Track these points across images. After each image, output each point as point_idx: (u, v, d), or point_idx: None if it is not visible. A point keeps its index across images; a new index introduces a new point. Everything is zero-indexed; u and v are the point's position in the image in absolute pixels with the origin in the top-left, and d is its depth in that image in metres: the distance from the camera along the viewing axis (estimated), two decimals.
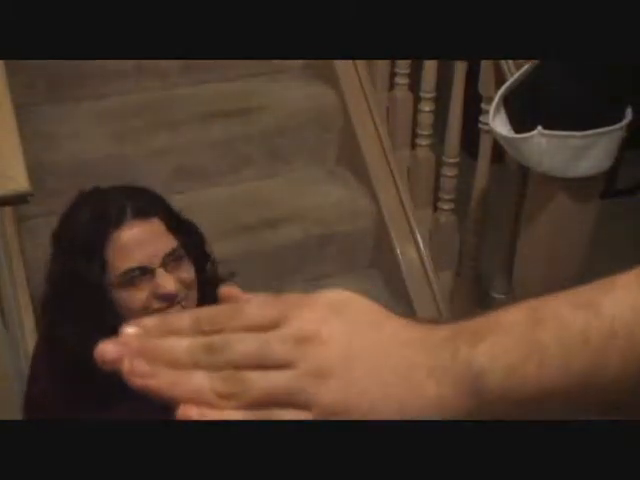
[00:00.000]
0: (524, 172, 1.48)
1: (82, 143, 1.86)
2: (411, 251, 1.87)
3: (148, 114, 1.86)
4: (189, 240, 1.07)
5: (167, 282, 1.01)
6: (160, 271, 1.01)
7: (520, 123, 1.30)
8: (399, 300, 1.89)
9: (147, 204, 1.04)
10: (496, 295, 1.66)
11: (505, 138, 1.31)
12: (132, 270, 1.00)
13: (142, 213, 1.02)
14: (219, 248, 1.86)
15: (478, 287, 1.80)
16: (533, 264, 1.46)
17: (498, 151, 1.63)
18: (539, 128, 1.25)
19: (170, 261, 1.03)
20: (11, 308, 1.40)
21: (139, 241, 1.01)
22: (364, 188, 1.97)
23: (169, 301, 1.02)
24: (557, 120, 1.27)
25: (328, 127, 2.03)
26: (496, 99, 1.33)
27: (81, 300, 1.02)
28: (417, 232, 1.87)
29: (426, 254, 1.86)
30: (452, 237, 1.85)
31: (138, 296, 1.01)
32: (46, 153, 1.71)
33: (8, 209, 1.61)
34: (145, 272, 1.01)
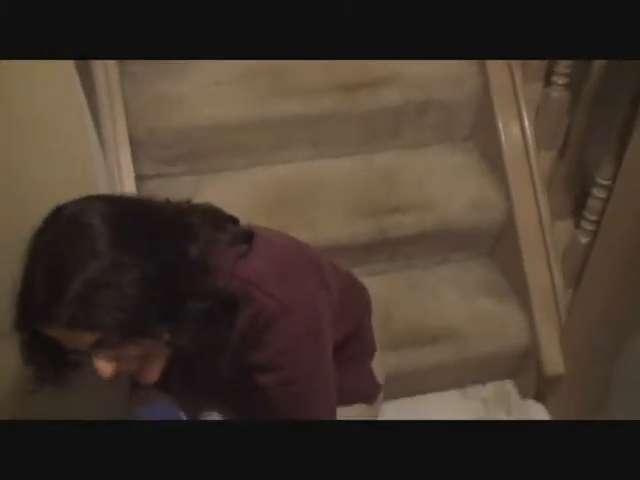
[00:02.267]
0: None
1: None
2: (514, 126, 1.78)
3: None
4: (124, 328, 0.89)
5: (102, 368, 0.93)
6: (94, 357, 0.93)
7: None
8: (495, 177, 1.83)
9: (50, 306, 0.88)
10: (600, 180, 1.58)
11: None
12: (72, 351, 0.94)
13: (44, 316, 0.89)
14: (315, 104, 1.84)
15: (581, 171, 1.72)
16: None
17: None
18: None
19: (99, 349, 0.92)
20: (110, 147, 1.42)
21: (58, 337, 0.91)
22: None
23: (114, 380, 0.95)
24: None
25: None
26: None
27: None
28: (524, 107, 1.77)
29: (530, 130, 1.77)
30: (561, 115, 1.74)
31: (93, 367, 0.95)
32: None
33: None
34: (85, 353, 0.93)
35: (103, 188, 1.21)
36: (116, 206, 0.96)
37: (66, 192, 0.95)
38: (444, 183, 1.84)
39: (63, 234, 0.92)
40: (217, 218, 1.08)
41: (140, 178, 1.60)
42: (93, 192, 0.98)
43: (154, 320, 0.91)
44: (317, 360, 1.07)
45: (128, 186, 1.49)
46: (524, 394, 1.83)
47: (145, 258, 0.91)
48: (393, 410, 1.71)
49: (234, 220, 1.13)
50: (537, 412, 1.80)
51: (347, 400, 1.20)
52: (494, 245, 1.89)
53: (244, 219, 1.13)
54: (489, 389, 1.85)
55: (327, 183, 1.83)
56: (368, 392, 1.30)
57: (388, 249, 1.81)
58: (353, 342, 1.24)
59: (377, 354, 1.33)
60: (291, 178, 1.83)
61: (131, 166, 1.53)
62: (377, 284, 1.66)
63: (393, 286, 1.84)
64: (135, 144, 1.60)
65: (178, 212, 1.03)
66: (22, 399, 1.09)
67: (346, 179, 1.84)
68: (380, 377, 1.32)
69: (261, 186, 1.80)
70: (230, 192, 1.74)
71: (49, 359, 0.98)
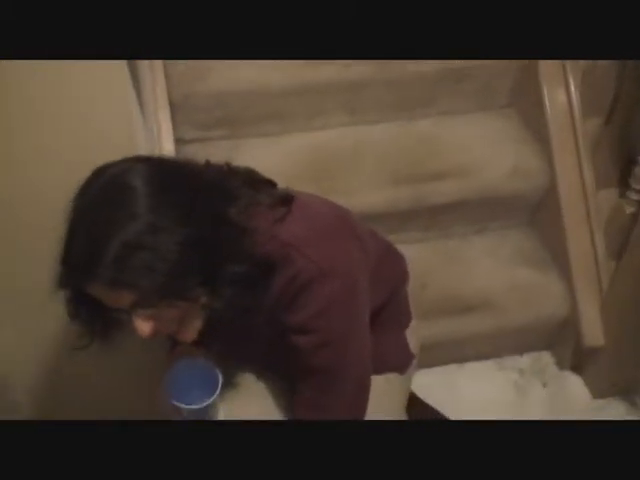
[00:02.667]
0: None
1: None
2: (560, 92, 1.73)
3: None
4: (162, 290, 0.89)
5: (140, 327, 0.94)
6: (133, 316, 0.94)
7: None
8: (538, 144, 1.79)
9: (91, 266, 0.88)
10: None
11: None
12: (113, 310, 0.94)
13: (85, 275, 0.90)
14: (352, 70, 1.80)
15: (628, 138, 1.67)
16: None
17: None
18: None
19: (139, 309, 0.93)
20: (150, 110, 1.42)
21: (99, 295, 0.92)
22: None
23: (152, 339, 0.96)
24: None
25: None
26: None
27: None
28: (570, 72, 1.72)
29: (576, 97, 1.72)
30: (608, 82, 1.69)
31: (132, 326, 0.96)
32: None
33: None
34: (125, 312, 0.94)
35: (143, 150, 1.21)
36: (157, 168, 0.95)
37: (107, 154, 0.94)
38: (484, 150, 1.80)
39: (105, 195, 0.92)
40: (256, 181, 1.07)
41: (177, 142, 1.59)
42: (134, 154, 0.97)
43: (191, 283, 0.91)
44: (352, 325, 1.06)
45: (167, 149, 1.48)
46: (561, 365, 1.81)
47: (184, 221, 0.90)
48: (427, 379, 1.70)
49: (272, 184, 1.11)
50: (574, 384, 1.78)
51: (379, 369, 1.20)
52: (534, 213, 1.85)
53: (280, 185, 1.12)
54: (526, 360, 1.83)
55: (364, 150, 1.80)
56: (401, 361, 1.29)
57: (425, 217, 1.79)
58: (388, 310, 1.23)
59: (412, 324, 1.32)
60: (327, 144, 1.81)
61: (171, 129, 1.52)
62: (413, 253, 1.64)
63: (429, 255, 1.82)
64: (173, 108, 1.59)
65: (218, 175, 1.02)
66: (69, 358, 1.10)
67: (384, 146, 1.81)
68: (414, 347, 1.31)
69: (297, 152, 1.78)
70: (266, 158, 1.73)
71: (92, 315, 0.99)
